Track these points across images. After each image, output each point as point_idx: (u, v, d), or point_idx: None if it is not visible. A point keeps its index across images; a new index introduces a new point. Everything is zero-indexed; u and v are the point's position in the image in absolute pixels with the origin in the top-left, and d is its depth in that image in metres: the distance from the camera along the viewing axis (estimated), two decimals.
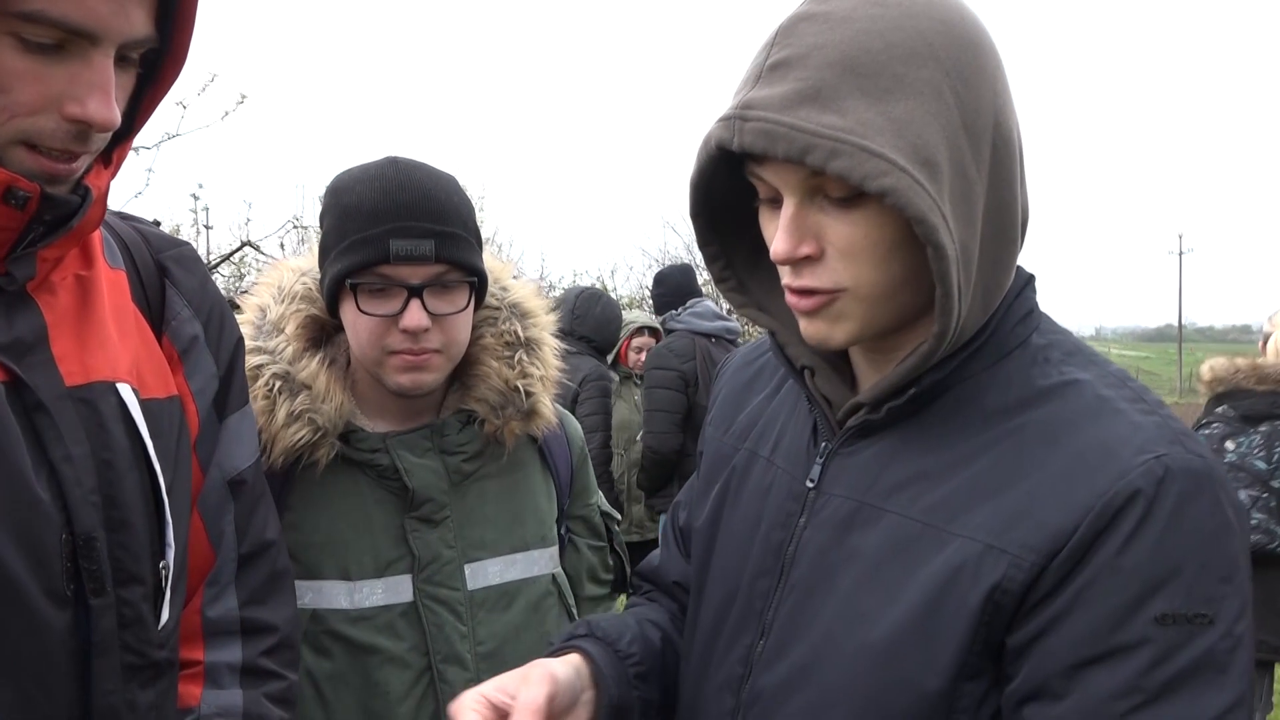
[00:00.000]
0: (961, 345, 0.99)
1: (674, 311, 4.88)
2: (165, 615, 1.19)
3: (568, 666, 1.10)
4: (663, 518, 4.81)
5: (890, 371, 1.01)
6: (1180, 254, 57.48)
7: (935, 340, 0.94)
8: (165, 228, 5.99)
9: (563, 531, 1.71)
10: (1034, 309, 1.04)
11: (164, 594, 1.18)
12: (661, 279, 5.12)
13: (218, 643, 1.29)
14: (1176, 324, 56.88)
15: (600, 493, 1.82)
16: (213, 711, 1.25)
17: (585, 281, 13.17)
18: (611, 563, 1.81)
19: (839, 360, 1.12)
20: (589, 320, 4.75)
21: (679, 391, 4.57)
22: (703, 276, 7.11)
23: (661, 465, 4.62)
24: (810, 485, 1.08)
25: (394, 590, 1.49)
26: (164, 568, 1.18)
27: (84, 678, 1.09)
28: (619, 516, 1.85)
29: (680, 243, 14.36)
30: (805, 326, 1.01)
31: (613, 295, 12.03)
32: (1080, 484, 0.90)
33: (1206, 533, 0.87)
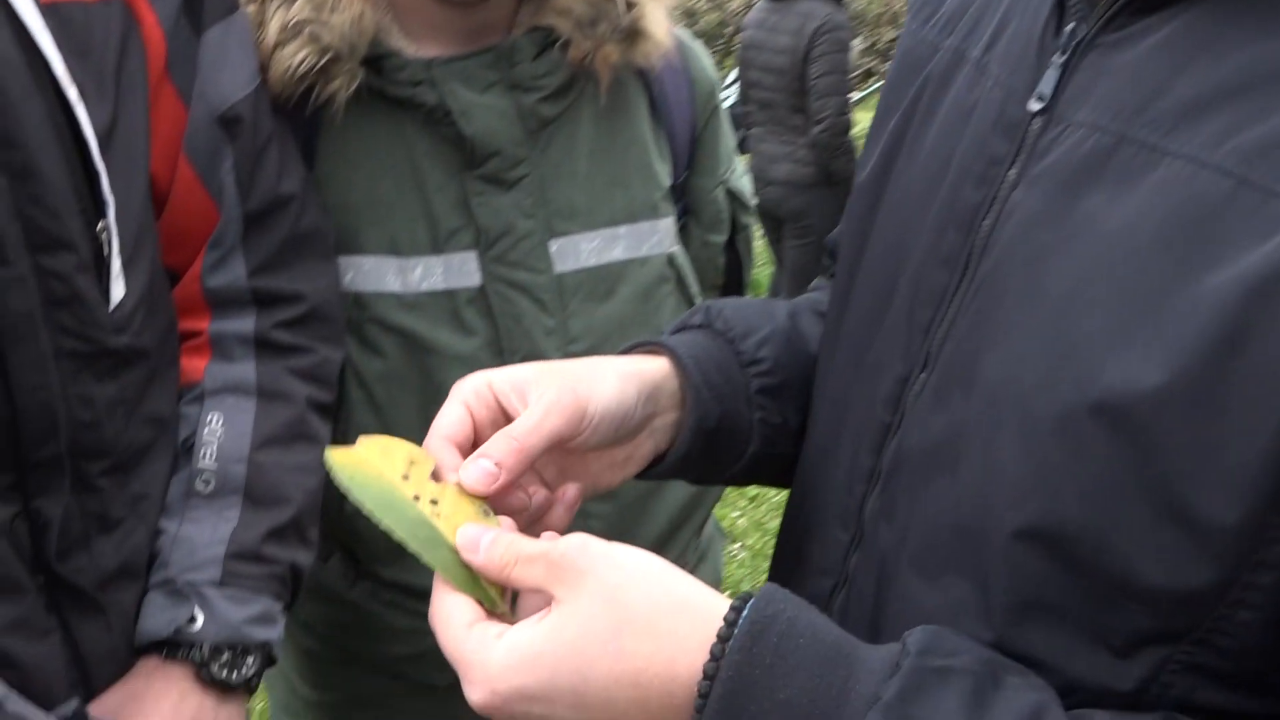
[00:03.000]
0: None
1: None
2: (119, 292, 0.91)
3: (631, 384, 0.75)
4: None
5: None
6: None
7: None
8: None
9: (678, 211, 1.30)
10: None
11: (108, 265, 0.90)
12: None
13: (225, 313, 1.05)
14: None
15: (737, 166, 1.38)
16: (218, 386, 1.01)
17: None
18: (723, 262, 1.39)
19: None
20: None
21: None
22: None
23: None
24: (1038, 106, 0.63)
25: (457, 271, 1.17)
26: (103, 231, 0.89)
27: (3, 370, 0.85)
28: (753, 203, 1.41)
29: None
30: None
31: None
32: None
33: None
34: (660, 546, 1.28)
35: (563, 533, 0.71)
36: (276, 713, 1.50)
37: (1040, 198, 0.60)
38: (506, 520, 0.65)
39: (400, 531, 0.61)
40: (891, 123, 0.78)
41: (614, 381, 0.73)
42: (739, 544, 3.75)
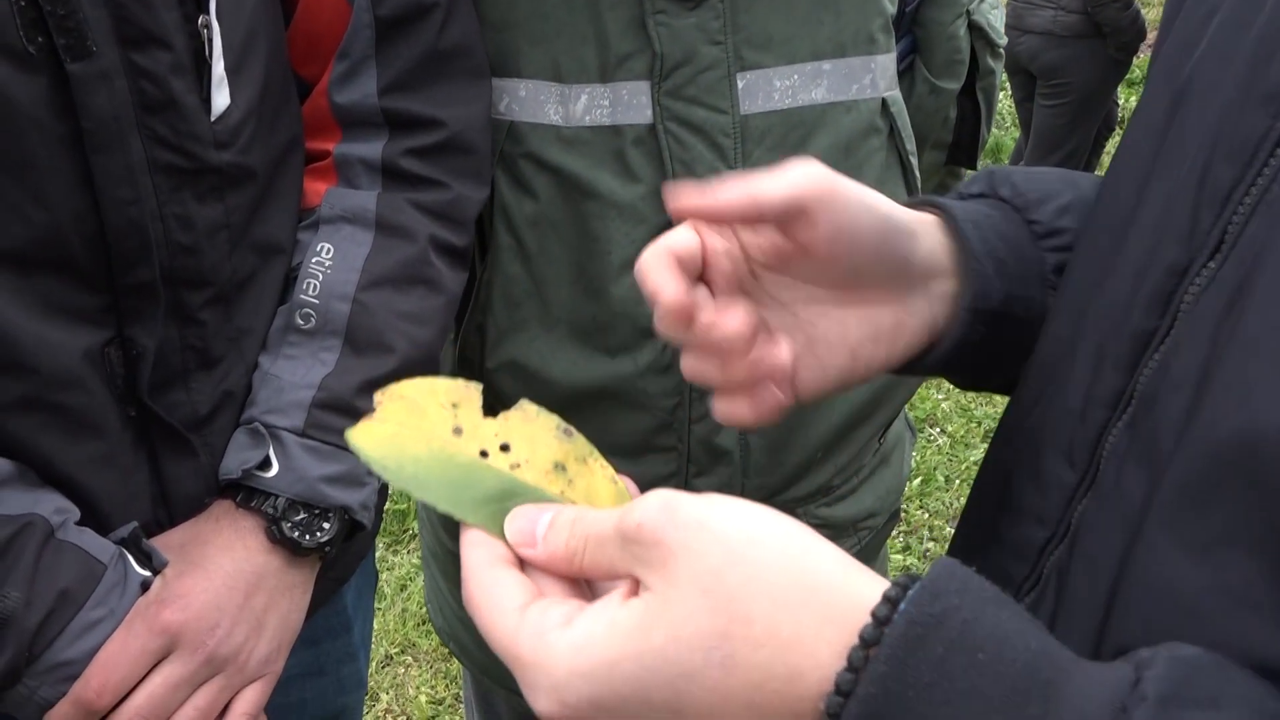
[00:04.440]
0: None
1: None
2: (222, 101, 0.80)
3: (899, 212, 0.59)
4: None
5: None
6: None
7: None
8: None
9: (900, 49, 1.06)
10: None
11: (209, 67, 0.78)
12: None
13: (354, 134, 0.93)
14: None
15: None
16: (334, 214, 0.90)
17: None
18: (953, 115, 1.13)
19: None
20: None
21: None
22: None
23: None
24: None
25: (625, 104, 0.99)
26: (205, 27, 0.78)
27: (89, 180, 0.75)
28: (1002, 41, 1.14)
29: None
30: None
31: None
32: None
33: None
34: (830, 448, 1.11)
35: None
36: (426, 556, 1.48)
37: None
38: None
39: (483, 519, 0.46)
40: None
41: (876, 199, 0.57)
42: (938, 429, 3.51)
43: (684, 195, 0.54)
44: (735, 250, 0.57)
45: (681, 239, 0.56)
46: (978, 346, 0.61)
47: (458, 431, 0.48)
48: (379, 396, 0.49)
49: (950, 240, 0.61)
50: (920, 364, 0.63)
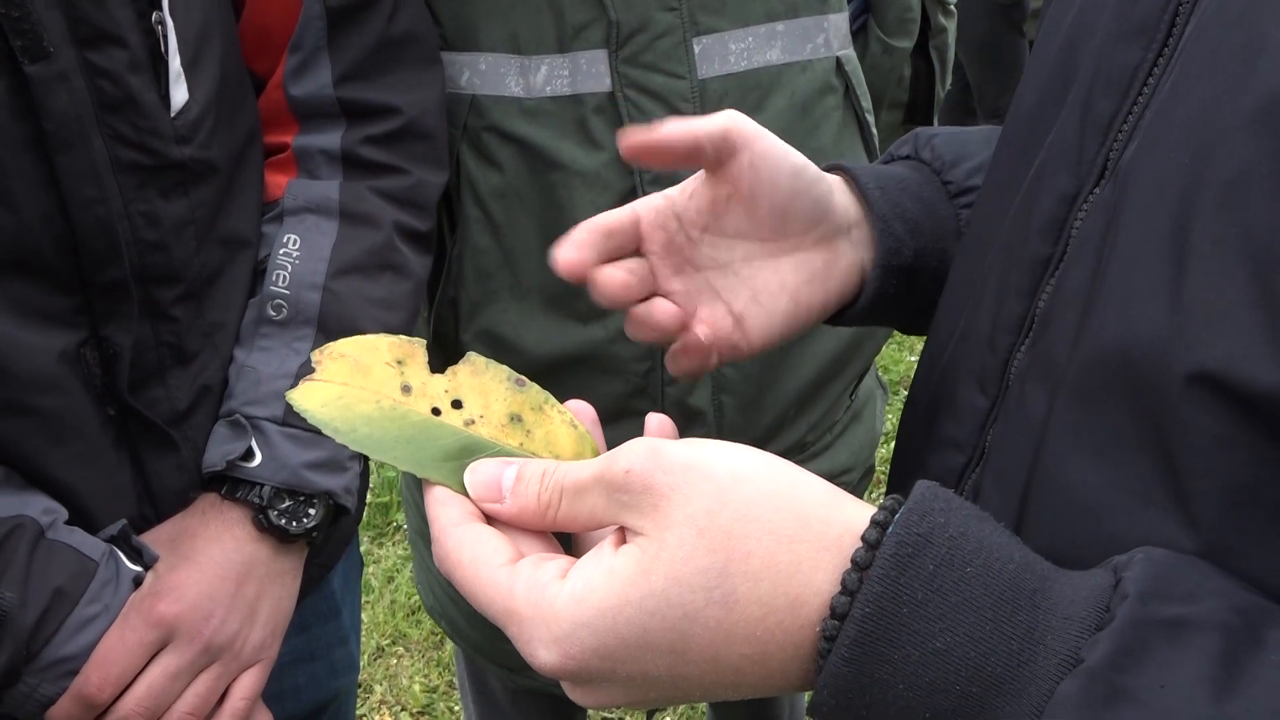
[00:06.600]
0: None
1: None
2: (180, 96, 0.80)
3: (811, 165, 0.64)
4: None
5: None
6: None
7: None
8: None
9: (853, 9, 1.07)
10: None
11: (166, 63, 0.78)
12: None
13: (311, 126, 0.93)
14: None
15: None
16: (298, 205, 0.90)
17: None
18: (908, 74, 1.14)
19: None
20: None
21: None
22: None
23: None
24: None
25: (584, 73, 1.00)
26: (158, 24, 0.77)
27: (54, 181, 0.75)
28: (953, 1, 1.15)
29: None
30: None
31: None
32: None
33: None
34: (802, 405, 1.13)
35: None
36: (413, 537, 1.49)
37: None
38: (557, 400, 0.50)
39: (444, 476, 0.46)
40: None
41: (789, 148, 0.62)
42: None
43: (633, 135, 0.59)
44: (670, 222, 0.62)
45: (615, 214, 0.60)
46: (895, 298, 0.66)
47: (406, 389, 0.47)
48: (317, 355, 0.47)
49: (858, 197, 0.66)
50: (847, 314, 0.67)
